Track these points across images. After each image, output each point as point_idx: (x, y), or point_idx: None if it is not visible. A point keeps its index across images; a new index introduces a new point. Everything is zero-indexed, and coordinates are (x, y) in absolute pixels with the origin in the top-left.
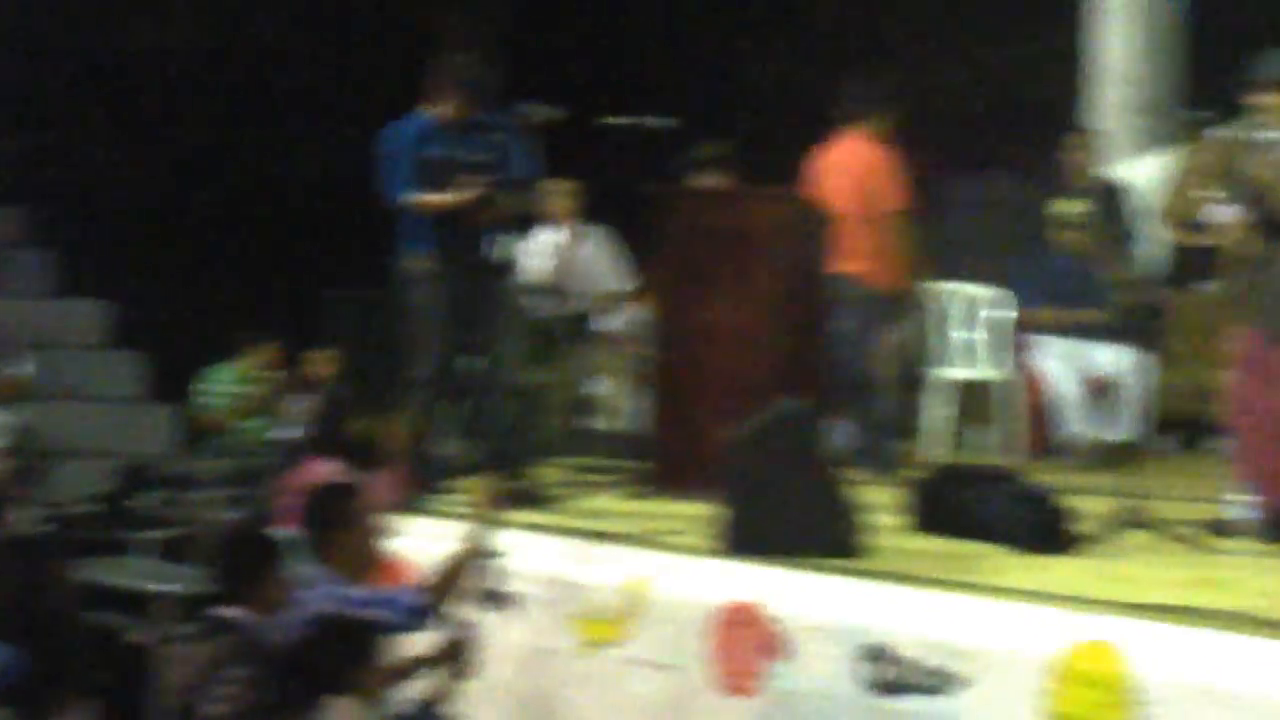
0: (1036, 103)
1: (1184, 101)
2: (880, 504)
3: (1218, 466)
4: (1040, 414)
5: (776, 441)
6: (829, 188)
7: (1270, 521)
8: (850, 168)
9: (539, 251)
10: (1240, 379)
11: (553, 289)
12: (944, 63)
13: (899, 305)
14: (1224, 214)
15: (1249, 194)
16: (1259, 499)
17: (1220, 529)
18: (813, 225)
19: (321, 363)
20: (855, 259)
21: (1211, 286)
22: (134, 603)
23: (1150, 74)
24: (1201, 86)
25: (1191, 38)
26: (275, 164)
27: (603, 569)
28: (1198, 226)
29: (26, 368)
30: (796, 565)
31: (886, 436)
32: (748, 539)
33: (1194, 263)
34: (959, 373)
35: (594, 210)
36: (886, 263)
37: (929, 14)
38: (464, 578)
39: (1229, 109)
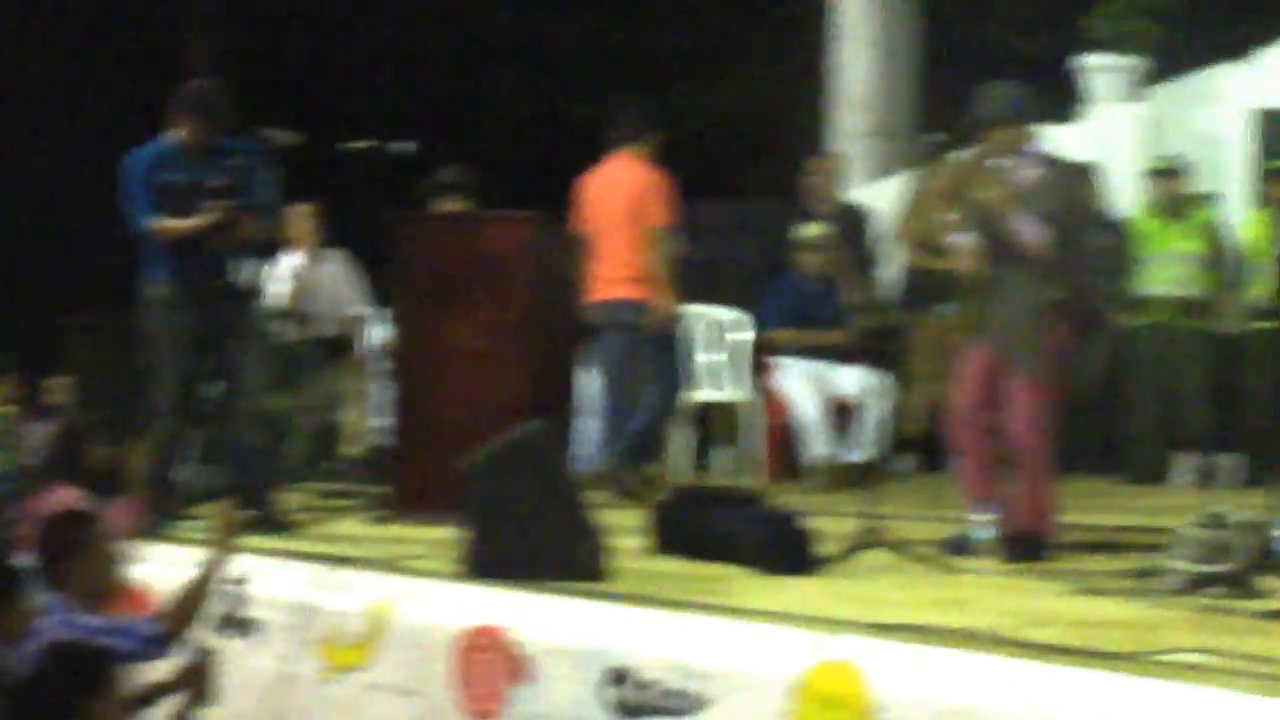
0: (782, 127)
1: (921, 126)
2: (623, 526)
3: (955, 487)
4: (783, 435)
5: (519, 464)
6: (603, 210)
7: (1008, 541)
8: (625, 189)
9: (280, 276)
10: (969, 400)
11: (294, 313)
12: (691, 86)
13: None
14: (959, 238)
15: (979, 218)
16: (994, 518)
17: (960, 548)
18: (557, 247)
19: (60, 390)
20: (630, 283)
21: (948, 309)
22: None
23: (887, 99)
24: (937, 111)
25: (928, 62)
26: (6, 189)
27: (346, 594)
28: (934, 250)
29: None
30: (539, 588)
31: (632, 458)
32: (491, 562)
33: (932, 286)
34: (703, 395)
35: (335, 234)
36: (660, 284)
37: (676, 38)
38: (204, 604)
39: (964, 133)
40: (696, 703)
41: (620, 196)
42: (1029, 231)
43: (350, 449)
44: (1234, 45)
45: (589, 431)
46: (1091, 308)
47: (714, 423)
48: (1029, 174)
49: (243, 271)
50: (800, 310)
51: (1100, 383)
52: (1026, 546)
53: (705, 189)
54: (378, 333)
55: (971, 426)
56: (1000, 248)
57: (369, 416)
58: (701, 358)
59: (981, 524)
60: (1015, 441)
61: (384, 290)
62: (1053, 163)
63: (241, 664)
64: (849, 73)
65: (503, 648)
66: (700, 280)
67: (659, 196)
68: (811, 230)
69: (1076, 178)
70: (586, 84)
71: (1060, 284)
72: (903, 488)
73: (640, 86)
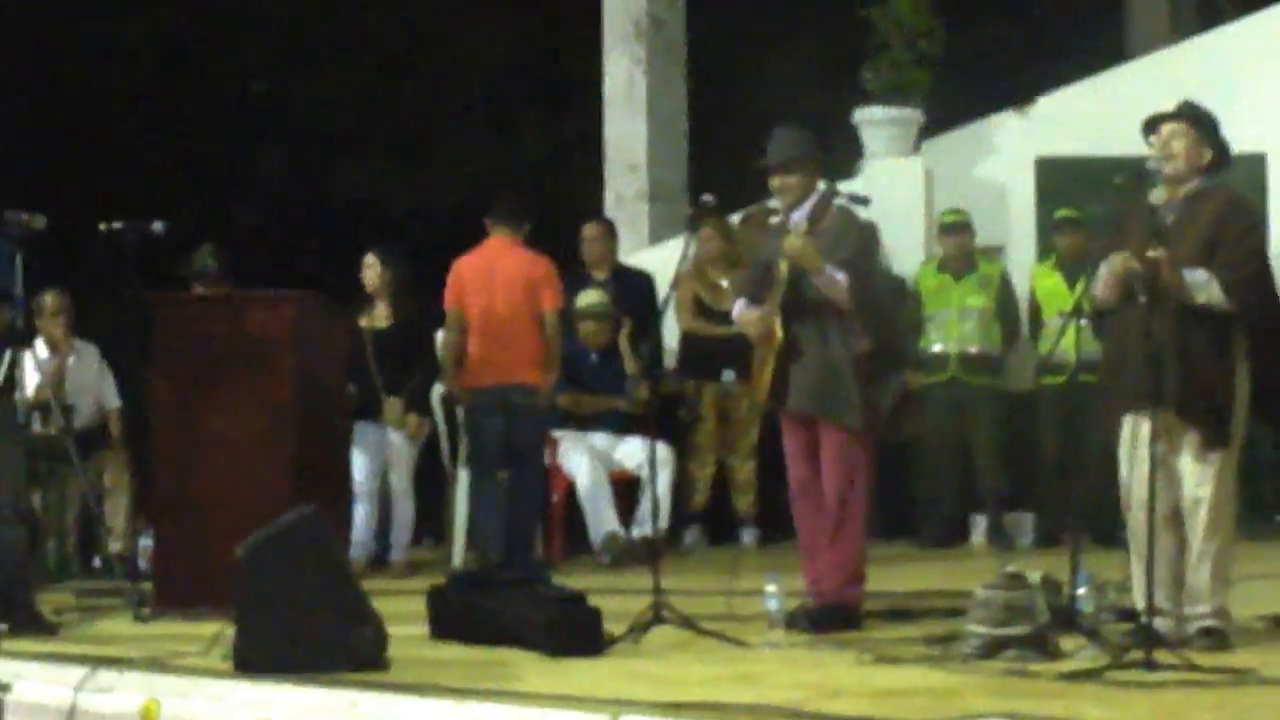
0: (558, 193)
1: (695, 187)
2: (400, 613)
3: (744, 558)
4: (565, 511)
5: (291, 551)
6: (490, 294)
7: (819, 611)
8: (515, 274)
9: (29, 368)
10: (799, 474)
11: (49, 405)
12: (464, 152)
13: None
14: (742, 303)
15: (772, 277)
16: (782, 590)
17: (758, 621)
18: (324, 327)
19: None
20: (523, 366)
21: (729, 377)
22: None
23: (660, 162)
24: (712, 172)
25: (701, 124)
26: None
27: (113, 696)
28: (713, 315)
29: None
30: (316, 680)
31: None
32: (264, 656)
33: (711, 353)
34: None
35: (86, 322)
36: (550, 368)
37: (449, 104)
38: None
39: (735, 196)
40: None
41: (511, 281)
42: (834, 282)
43: (112, 544)
44: (1013, 94)
45: (360, 518)
46: (897, 357)
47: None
48: (819, 221)
49: None
50: (580, 379)
51: (895, 439)
52: (839, 616)
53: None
54: (138, 422)
55: (805, 500)
56: (799, 304)
57: (129, 511)
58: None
59: (776, 595)
60: (832, 503)
61: (143, 378)
62: (842, 209)
63: None
64: (621, 137)
65: None
66: None
67: (551, 281)
68: (589, 298)
69: (865, 226)
70: (351, 154)
71: (867, 334)
72: (689, 561)
73: (413, 154)
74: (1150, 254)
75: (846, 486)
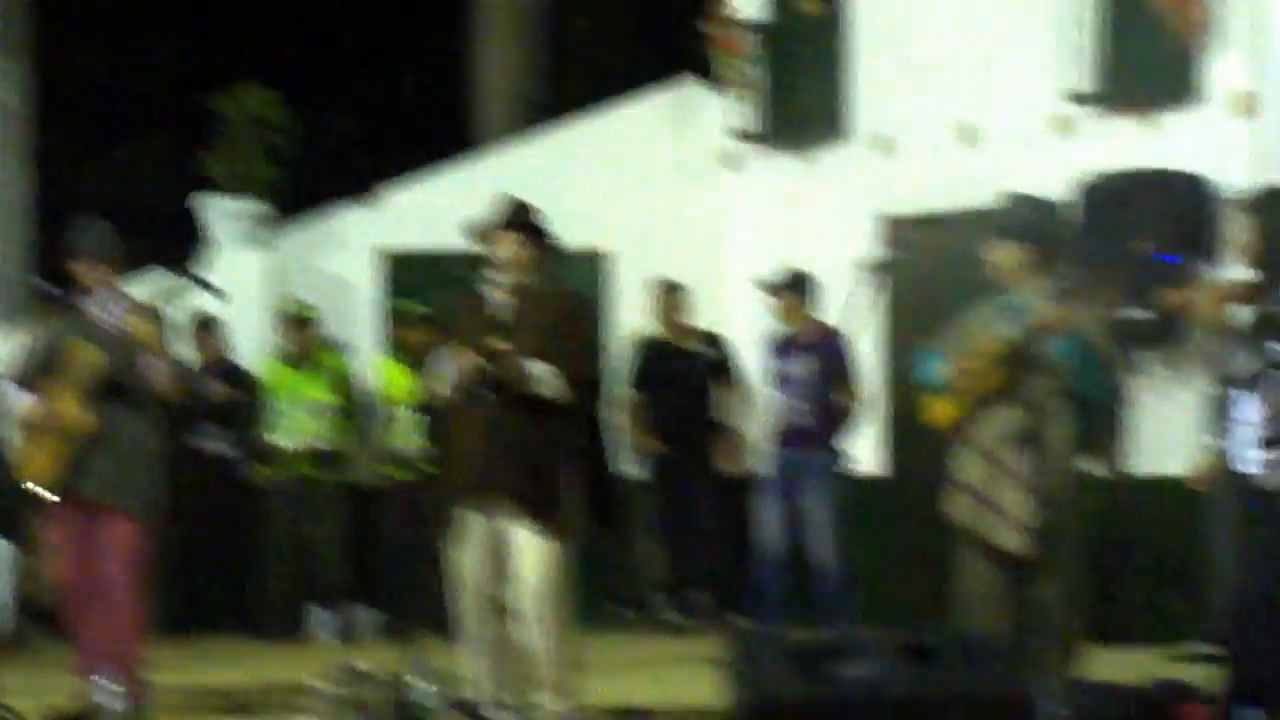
0: None
1: (37, 274)
2: None
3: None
4: None
5: None
6: None
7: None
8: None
9: None
10: (71, 567)
11: None
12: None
13: None
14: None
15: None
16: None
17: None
18: None
19: None
20: None
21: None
22: None
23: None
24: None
25: (45, 211)
26: None
27: None
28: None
29: None
30: None
31: None
32: None
33: None
34: None
35: None
36: None
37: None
38: None
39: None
40: None
41: None
42: (158, 371)
43: None
44: (359, 186)
45: None
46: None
47: None
48: (118, 312)
49: None
50: None
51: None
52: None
53: None
54: None
55: (78, 592)
56: (110, 389)
57: None
58: None
59: (109, 690)
60: (109, 589)
61: None
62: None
63: None
64: None
65: None
66: None
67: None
68: None
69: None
70: None
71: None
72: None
73: None
74: (490, 347)
75: (122, 574)
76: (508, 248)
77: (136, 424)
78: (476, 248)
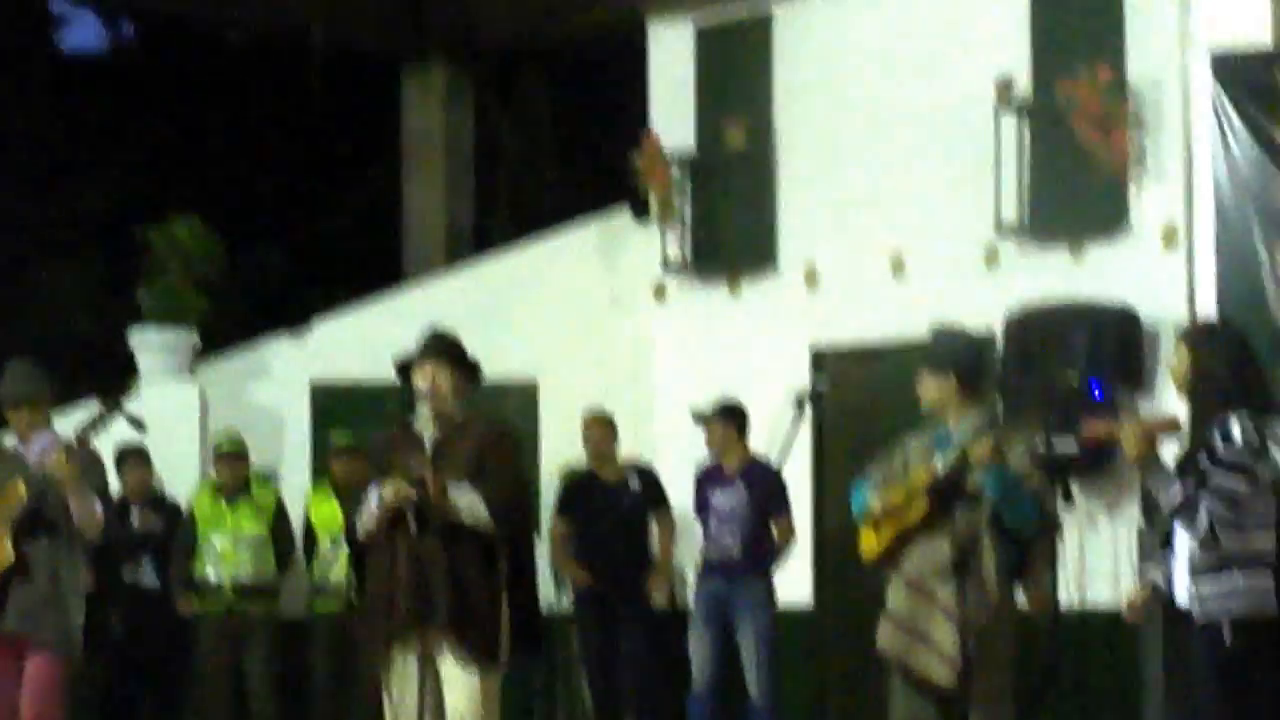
0: None
1: None
2: None
3: None
4: None
5: None
6: None
7: None
8: None
9: None
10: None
11: None
12: None
13: None
14: None
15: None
16: None
17: None
18: None
19: None
20: None
21: None
22: None
23: None
24: None
25: None
26: None
27: None
28: None
29: None
30: None
31: None
32: None
33: None
34: None
35: None
36: None
37: None
38: None
39: None
40: None
41: None
42: (84, 506)
43: None
44: (289, 318)
45: None
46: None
47: None
48: (44, 449)
49: None
50: None
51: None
52: None
53: None
54: None
55: None
56: (33, 524)
57: None
58: None
59: None
60: None
61: None
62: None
63: None
64: None
65: None
66: None
67: None
68: None
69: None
70: None
71: None
72: None
73: None
74: (415, 475)
75: (49, 712)
76: (428, 378)
77: (59, 558)
78: (399, 379)
